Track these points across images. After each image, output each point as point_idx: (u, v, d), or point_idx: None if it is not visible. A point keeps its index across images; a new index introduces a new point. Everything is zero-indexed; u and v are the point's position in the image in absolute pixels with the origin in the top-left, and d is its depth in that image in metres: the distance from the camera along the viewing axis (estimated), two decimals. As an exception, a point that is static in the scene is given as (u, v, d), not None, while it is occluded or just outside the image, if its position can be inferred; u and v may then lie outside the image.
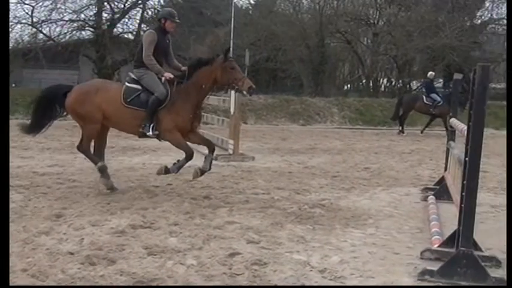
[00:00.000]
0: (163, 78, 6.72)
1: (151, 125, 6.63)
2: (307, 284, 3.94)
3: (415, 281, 4.06)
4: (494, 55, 29.86)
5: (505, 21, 31.16)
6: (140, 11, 26.60)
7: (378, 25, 28.02)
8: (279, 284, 3.92)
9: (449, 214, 5.77)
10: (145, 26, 25.70)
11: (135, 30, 26.51)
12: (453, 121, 6.83)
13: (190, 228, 5.23)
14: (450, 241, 4.46)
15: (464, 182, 4.16)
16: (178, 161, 6.82)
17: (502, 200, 7.27)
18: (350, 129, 19.37)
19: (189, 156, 6.70)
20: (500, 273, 4.24)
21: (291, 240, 4.99)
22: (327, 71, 26.68)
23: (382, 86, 29.75)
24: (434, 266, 4.14)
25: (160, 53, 6.86)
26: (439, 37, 25.23)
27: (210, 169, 6.83)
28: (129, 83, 6.88)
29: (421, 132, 18.17)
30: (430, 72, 19.22)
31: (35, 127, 7.14)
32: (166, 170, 6.81)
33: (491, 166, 10.66)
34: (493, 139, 17.47)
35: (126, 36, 27.17)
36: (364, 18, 27.81)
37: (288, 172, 9.07)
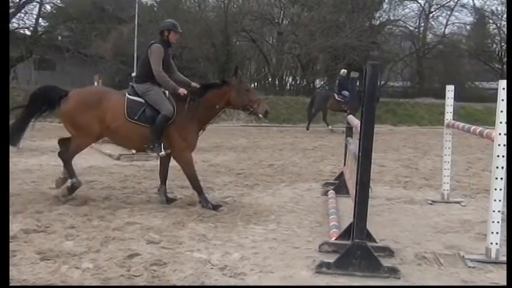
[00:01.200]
0: (167, 93, 6.43)
1: (162, 144, 6.28)
2: (207, 282, 3.92)
3: (312, 274, 4.15)
4: (391, 55, 31.34)
5: (401, 22, 32.79)
6: (37, 6, 25.47)
7: (282, 24, 28.53)
8: (178, 284, 3.87)
9: (348, 208, 5.94)
10: (43, 21, 24.62)
11: (32, 25, 25.34)
12: (350, 117, 7.08)
13: (88, 230, 5.07)
14: (346, 234, 4.60)
15: (358, 176, 4.28)
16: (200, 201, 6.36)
17: (398, 193, 7.66)
18: (256, 127, 19.57)
19: (198, 188, 6.42)
20: (393, 262, 4.44)
21: (192, 239, 4.95)
22: (233, 69, 26.79)
23: (288, 84, 30.35)
24: (332, 259, 4.25)
25: (164, 67, 6.46)
26: (340, 37, 26.07)
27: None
28: (130, 95, 6.45)
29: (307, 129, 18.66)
30: (342, 70, 19.82)
31: (16, 132, 6.34)
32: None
33: (388, 160, 11.15)
34: (391, 135, 18.34)
35: (22, 31, 25.90)
36: (268, 17, 28.20)
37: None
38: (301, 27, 27.25)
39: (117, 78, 25.13)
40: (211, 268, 4.20)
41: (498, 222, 4.57)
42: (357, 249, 4.17)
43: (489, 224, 4.59)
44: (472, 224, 5.87)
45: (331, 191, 7.00)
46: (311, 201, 6.97)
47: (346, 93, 18.26)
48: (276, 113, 21.51)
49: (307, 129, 18.36)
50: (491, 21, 37.20)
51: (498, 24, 36.83)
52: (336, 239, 4.72)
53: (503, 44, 36.58)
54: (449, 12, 33.59)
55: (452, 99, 7.04)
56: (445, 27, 34.22)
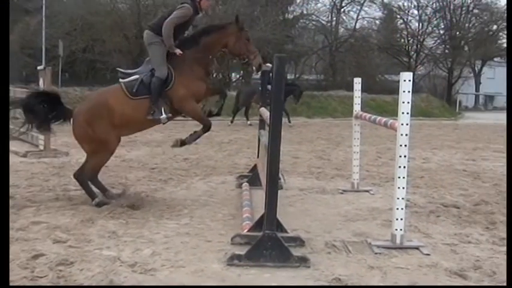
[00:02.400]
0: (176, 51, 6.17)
1: (162, 109, 6.10)
2: (116, 280, 3.81)
3: (224, 267, 4.14)
4: (305, 48, 31.94)
5: (314, 16, 33.46)
6: None
7: (197, 17, 28.31)
8: (85, 284, 3.74)
9: (262, 199, 5.96)
10: None
11: None
12: (261, 110, 7.12)
13: (-11, 232, 4.79)
14: (258, 225, 4.62)
15: (267, 168, 4.31)
16: (194, 132, 6.44)
17: (310, 183, 7.80)
18: (172, 121, 19.30)
19: (207, 127, 6.41)
20: (303, 251, 4.52)
21: (102, 237, 4.81)
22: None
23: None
24: (243, 251, 4.26)
25: (183, 31, 6.35)
26: (255, 30, 26.21)
27: (190, 143, 6.57)
28: (123, 78, 6.24)
29: (289, 121, 18.65)
30: (267, 64, 19.85)
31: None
32: (182, 142, 6.45)
33: (302, 152, 11.37)
34: (305, 127, 18.72)
35: None
36: (182, 10, 27.90)
37: (104, 166, 8.74)
38: (216, 20, 27.14)
39: (25, 72, 24.05)
40: (121, 265, 4.09)
41: (402, 209, 4.75)
42: (267, 240, 4.20)
43: (394, 211, 4.77)
44: (380, 212, 6.08)
45: (245, 183, 7.03)
46: (225, 194, 6.97)
47: (269, 87, 18.36)
48: (192, 106, 21.37)
49: (232, 122, 18.37)
50: (398, 16, 38.82)
51: (405, 19, 38.50)
52: (248, 231, 4.73)
53: (410, 38, 38.28)
54: (359, 7, 34.68)
55: (360, 92, 7.25)
56: (356, 22, 35.34)
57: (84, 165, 6.27)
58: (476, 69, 43.75)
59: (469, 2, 38.85)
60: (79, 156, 9.70)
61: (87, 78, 25.53)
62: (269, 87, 19.67)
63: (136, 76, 6.21)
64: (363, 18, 35.89)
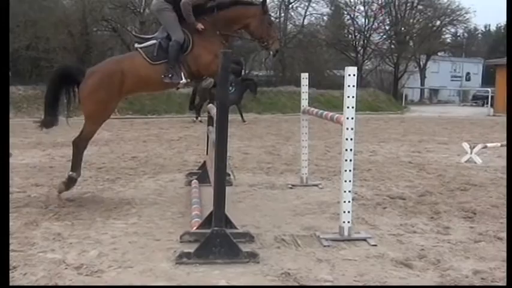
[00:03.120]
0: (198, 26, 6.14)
1: (181, 73, 6.10)
2: (61, 283, 3.72)
3: (173, 265, 4.10)
4: (254, 44, 31.89)
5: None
6: None
7: (145, 13, 27.93)
8: (28, 288, 3.64)
9: (211, 196, 5.97)
10: None
11: None
12: (209, 106, 7.09)
13: None
14: (207, 222, 4.58)
15: (215, 164, 4.29)
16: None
17: (260, 179, 7.82)
18: (120, 119, 19.00)
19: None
20: (253, 247, 4.52)
21: (46, 239, 4.68)
22: (93, 60, 25.80)
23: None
24: (192, 248, 4.22)
25: (202, 13, 6.25)
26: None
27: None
28: (139, 43, 6.26)
29: (243, 121, 18.56)
30: None
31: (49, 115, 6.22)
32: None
33: (252, 148, 11.39)
34: (256, 123, 18.77)
35: None
36: (130, 6, 27.46)
37: (49, 167, 8.55)
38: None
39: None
40: (66, 268, 3.99)
41: (349, 202, 4.82)
42: (216, 237, 4.18)
43: (341, 204, 4.83)
44: (328, 205, 6.15)
45: (195, 180, 6.97)
46: (174, 192, 6.91)
47: None
48: (140, 104, 21.10)
49: (197, 119, 18.22)
50: (345, 12, 39.36)
51: (352, 15, 39.08)
52: (196, 229, 4.69)
53: (357, 34, 38.89)
54: (307, 3, 34.95)
55: (308, 87, 7.31)
56: (304, 18, 35.59)
57: (81, 132, 6.26)
58: (421, 63, 44.82)
59: (414, -2, 39.78)
60: (22, 157, 9.46)
61: (31, 77, 24.75)
62: None
63: (154, 41, 6.19)
64: (311, 14, 36.20)
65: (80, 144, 6.23)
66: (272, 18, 6.46)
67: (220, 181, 4.25)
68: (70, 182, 6.22)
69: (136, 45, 6.32)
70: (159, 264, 4.13)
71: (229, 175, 7.04)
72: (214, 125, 4.56)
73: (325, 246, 4.63)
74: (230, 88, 17.97)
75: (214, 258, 4.15)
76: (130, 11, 27.64)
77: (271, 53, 6.72)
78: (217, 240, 4.17)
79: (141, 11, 27.72)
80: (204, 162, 7.51)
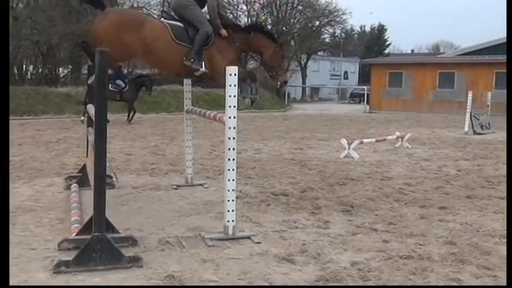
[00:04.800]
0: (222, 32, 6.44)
1: (202, 62, 6.23)
2: None
3: (50, 275, 3.89)
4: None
5: (145, 9, 32.89)
6: None
7: (18, 8, 26.40)
8: None
9: (91, 201, 5.75)
10: None
11: None
12: (89, 107, 6.83)
13: None
14: (87, 228, 4.40)
15: (94, 167, 4.13)
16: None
17: (144, 180, 7.67)
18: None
19: (252, 78, 6.95)
20: (136, 250, 4.41)
21: None
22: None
23: (28, 74, 28.29)
24: (71, 256, 4.04)
25: (227, 25, 6.57)
26: (83, 23, 25.12)
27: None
28: (166, 19, 6.34)
29: (129, 121, 17.97)
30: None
31: None
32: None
33: (136, 149, 11.15)
34: (139, 123, 18.36)
35: None
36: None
37: None
38: (39, 11, 25.55)
39: None
40: None
41: (233, 200, 4.86)
42: (96, 242, 4.03)
43: (225, 203, 4.85)
44: (213, 204, 6.16)
45: (74, 184, 6.70)
46: (52, 197, 6.57)
47: (120, 82, 17.79)
48: (15, 104, 19.88)
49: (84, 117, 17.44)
50: (228, 11, 39.68)
51: (234, 14, 39.49)
52: (76, 235, 4.50)
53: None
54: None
55: (191, 86, 7.28)
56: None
57: None
58: (302, 62, 46.30)
59: (293, -2, 40.98)
60: None
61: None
62: (119, 83, 18.98)
63: (181, 24, 6.30)
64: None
65: None
66: (285, 52, 7.07)
67: (100, 184, 4.10)
68: None
69: (163, 19, 6.37)
70: (35, 275, 3.91)
71: (111, 177, 6.85)
72: (94, 125, 4.38)
73: (210, 246, 4.63)
74: (124, 85, 17.59)
75: (95, 265, 4.00)
76: (2, 5, 25.94)
77: (278, 83, 6.87)
78: (98, 246, 4.02)
79: (14, 5, 26.16)
80: (84, 165, 7.22)
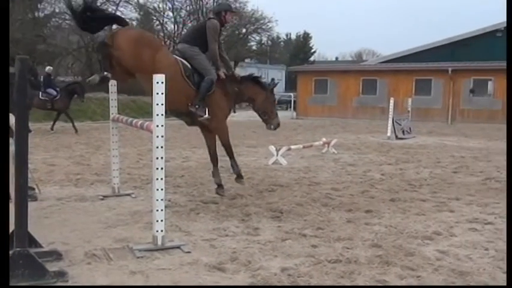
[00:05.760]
0: (220, 73, 6.93)
1: (206, 109, 6.70)
2: None
3: (-32, 295, 3.69)
4: (59, 49, 30.38)
5: (67, 15, 32.02)
6: None
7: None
8: None
9: (12, 215, 5.52)
10: None
11: None
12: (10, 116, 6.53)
13: None
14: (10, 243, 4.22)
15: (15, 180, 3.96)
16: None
17: (68, 191, 7.43)
18: None
19: (231, 154, 7.39)
20: (61, 265, 4.26)
21: None
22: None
23: None
24: (-9, 273, 3.84)
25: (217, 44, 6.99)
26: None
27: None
28: (179, 57, 6.73)
29: (51, 128, 17.42)
30: (48, 67, 18.73)
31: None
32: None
33: (60, 159, 10.80)
34: (63, 132, 17.78)
35: None
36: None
37: None
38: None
39: None
40: None
41: (162, 210, 4.79)
42: (18, 258, 3.85)
43: (154, 212, 4.78)
44: (142, 215, 6.06)
45: (-6, 197, 6.38)
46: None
47: (51, 91, 17.17)
48: None
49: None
50: (154, 18, 39.34)
51: (161, 21, 39.18)
52: (-4, 251, 4.29)
53: (166, 40, 39.05)
54: (115, 7, 34.14)
55: (116, 94, 7.13)
56: (112, 23, 34.70)
57: None
58: (229, 70, 46.42)
59: (219, 6, 41.03)
60: None
61: None
62: (51, 91, 18.35)
63: (189, 65, 6.70)
64: (120, 18, 35.47)
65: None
66: (275, 97, 7.89)
67: (22, 196, 3.93)
68: None
69: (176, 54, 6.79)
70: (-50, 295, 3.69)
71: (33, 189, 6.59)
72: (14, 135, 4.21)
73: (138, 257, 4.54)
74: (55, 94, 17.02)
75: (18, 282, 3.83)
76: None
77: (272, 126, 7.64)
78: (20, 261, 3.85)
79: None
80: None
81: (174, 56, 6.73)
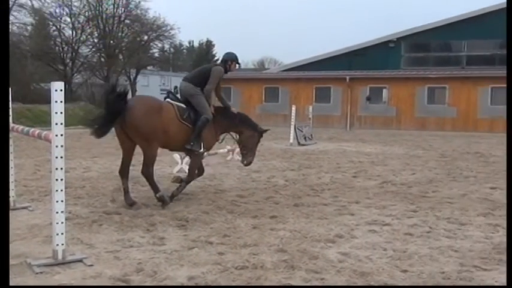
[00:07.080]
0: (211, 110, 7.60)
1: (201, 143, 7.37)
2: None
3: None
4: None
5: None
6: None
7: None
8: None
9: None
10: None
11: None
12: None
13: None
14: None
15: None
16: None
17: None
18: None
19: (190, 177, 7.73)
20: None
21: None
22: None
23: None
24: None
25: (217, 86, 7.82)
26: None
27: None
28: (173, 100, 7.44)
29: None
30: None
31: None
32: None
33: None
34: None
35: None
36: None
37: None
38: None
39: None
40: None
41: (62, 223, 4.60)
42: None
43: (54, 225, 4.58)
44: (40, 228, 5.79)
45: None
46: None
47: None
48: None
49: None
50: (51, 23, 37.85)
51: (58, 26, 37.76)
52: None
53: (64, 46, 37.71)
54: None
55: (11, 102, 6.77)
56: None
57: (143, 161, 7.09)
58: (131, 77, 45.53)
59: (120, 12, 40.19)
60: None
61: None
62: None
63: (183, 105, 7.37)
64: (13, 23, 33.78)
65: (148, 173, 7.11)
66: (260, 138, 8.35)
67: None
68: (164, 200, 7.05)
69: (168, 99, 7.40)
70: None
71: None
72: None
73: (37, 273, 4.34)
74: None
75: None
76: None
77: (245, 162, 8.14)
78: None
79: None
80: None
81: (169, 101, 7.37)
